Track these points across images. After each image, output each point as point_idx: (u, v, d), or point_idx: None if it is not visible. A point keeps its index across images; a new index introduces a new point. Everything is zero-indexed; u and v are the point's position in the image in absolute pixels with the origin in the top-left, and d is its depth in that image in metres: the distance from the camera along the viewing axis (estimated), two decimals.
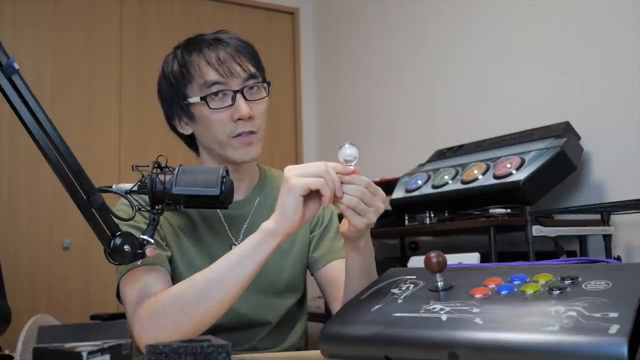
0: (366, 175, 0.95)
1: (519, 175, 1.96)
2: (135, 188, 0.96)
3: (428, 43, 2.96)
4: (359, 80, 3.43)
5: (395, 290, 0.88)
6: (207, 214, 1.19)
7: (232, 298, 0.97)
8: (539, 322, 0.68)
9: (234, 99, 1.14)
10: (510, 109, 2.50)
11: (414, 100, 3.03)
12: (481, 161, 2.18)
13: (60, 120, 2.89)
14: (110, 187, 0.96)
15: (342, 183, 0.92)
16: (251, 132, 1.16)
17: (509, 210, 1.98)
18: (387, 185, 2.56)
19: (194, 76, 1.15)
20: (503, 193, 1.99)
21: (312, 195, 0.92)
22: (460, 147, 2.43)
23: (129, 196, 0.96)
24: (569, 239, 2.08)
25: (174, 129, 1.24)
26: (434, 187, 2.24)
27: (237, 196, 1.21)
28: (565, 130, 2.10)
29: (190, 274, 1.02)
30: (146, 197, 0.97)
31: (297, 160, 3.73)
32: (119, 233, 0.89)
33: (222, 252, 1.17)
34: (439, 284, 0.83)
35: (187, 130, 1.21)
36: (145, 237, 0.93)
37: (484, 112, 2.63)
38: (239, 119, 1.14)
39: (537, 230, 1.79)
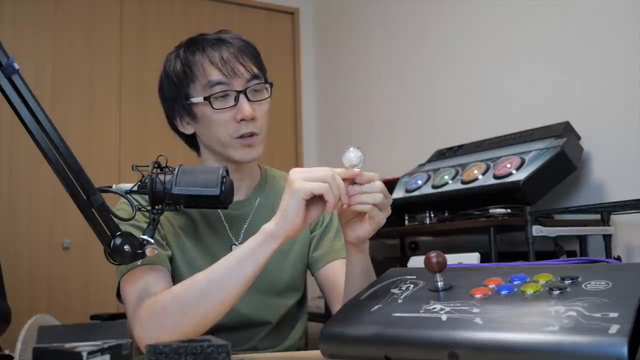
0: None
1: (519, 175, 1.96)
2: (135, 188, 0.96)
3: (428, 43, 2.96)
4: (359, 80, 3.43)
5: (395, 290, 0.88)
6: (207, 214, 1.19)
7: (233, 299, 0.97)
8: (539, 322, 0.68)
9: (237, 99, 1.14)
10: (510, 109, 2.50)
11: (414, 100, 3.03)
12: (481, 161, 2.18)
13: (60, 120, 2.89)
14: (110, 187, 0.96)
15: (357, 187, 0.93)
16: (253, 134, 1.16)
17: (509, 210, 1.98)
18: (387, 185, 2.56)
19: (197, 76, 1.15)
20: (503, 193, 1.99)
21: (316, 199, 0.92)
22: (460, 147, 2.43)
23: (129, 196, 0.96)
24: (569, 239, 2.08)
25: (175, 128, 1.24)
26: (434, 187, 2.24)
27: (238, 196, 1.21)
28: (565, 130, 2.10)
29: (191, 273, 1.02)
30: (146, 197, 0.97)
31: (297, 160, 3.73)
32: (119, 233, 0.89)
33: (223, 251, 1.17)
34: (439, 284, 0.83)
35: (188, 129, 1.21)
36: (145, 237, 0.93)
37: (484, 112, 2.63)
38: (241, 120, 1.14)
39: (537, 230, 1.79)
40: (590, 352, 0.62)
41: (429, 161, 2.51)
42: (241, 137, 1.15)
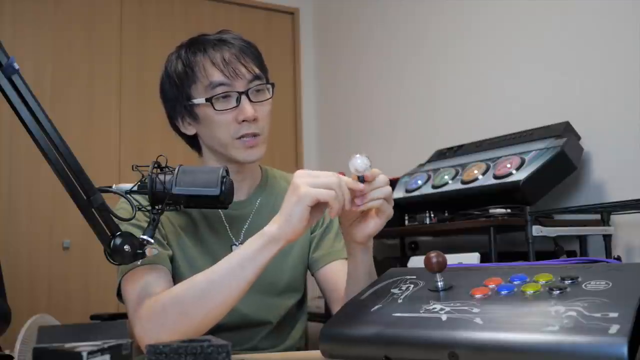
0: None
1: (519, 175, 1.96)
2: (135, 188, 0.96)
3: (428, 43, 2.96)
4: (359, 80, 3.43)
5: (395, 290, 0.88)
6: (208, 214, 1.19)
7: (233, 300, 0.97)
8: (539, 322, 0.68)
9: (238, 100, 1.14)
10: (510, 109, 2.50)
11: (414, 100, 3.03)
12: (481, 161, 2.18)
13: (60, 120, 2.89)
14: (110, 187, 0.96)
15: (367, 186, 0.94)
16: (255, 135, 1.16)
17: (509, 210, 1.98)
18: None
19: (199, 77, 1.15)
20: (503, 193, 1.99)
21: (319, 204, 0.92)
22: (460, 147, 2.43)
23: (129, 196, 0.96)
24: (569, 239, 2.08)
25: (176, 129, 1.24)
26: (434, 187, 2.24)
27: (239, 196, 1.21)
28: (565, 130, 2.10)
29: (191, 273, 1.02)
30: (146, 197, 0.97)
31: (297, 160, 3.73)
32: (119, 233, 0.89)
33: (223, 251, 1.17)
34: (439, 284, 0.83)
35: (190, 130, 1.21)
36: (145, 237, 0.93)
37: (484, 112, 2.63)
38: (243, 121, 1.14)
39: (537, 230, 1.79)
40: (590, 352, 0.62)
41: (429, 161, 2.51)
42: (243, 137, 1.15)
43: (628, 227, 2.03)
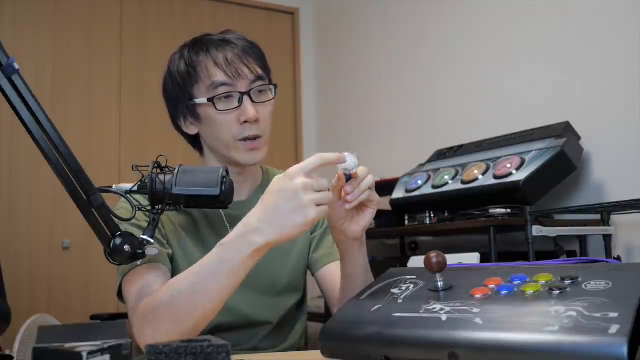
0: None
1: (519, 175, 1.96)
2: (135, 188, 0.96)
3: (428, 43, 2.96)
4: (359, 80, 3.43)
5: (395, 290, 0.88)
6: (209, 214, 1.19)
7: (223, 301, 0.95)
8: (539, 322, 0.68)
9: (240, 100, 1.14)
10: (510, 109, 2.50)
11: (414, 100, 3.03)
12: (481, 161, 2.18)
13: (60, 120, 2.89)
14: (110, 187, 0.96)
15: (354, 182, 0.96)
16: (257, 137, 1.16)
17: (509, 210, 1.98)
18: (387, 185, 2.56)
19: (201, 77, 1.15)
20: (503, 193, 1.99)
21: None
22: (460, 147, 2.43)
23: (129, 196, 0.96)
24: (569, 239, 2.08)
25: (178, 128, 1.24)
26: (434, 187, 2.24)
27: (240, 197, 1.21)
28: (565, 130, 2.10)
29: None
30: (146, 197, 0.97)
31: (297, 160, 3.73)
32: (119, 233, 0.89)
33: None
34: (439, 284, 0.83)
35: (192, 130, 1.21)
36: (145, 237, 0.93)
37: (484, 112, 2.63)
38: (245, 122, 1.14)
39: (537, 230, 1.79)
40: (590, 352, 0.62)
41: (429, 161, 2.51)
42: (245, 139, 1.15)
43: (628, 227, 2.03)
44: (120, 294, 1.08)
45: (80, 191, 0.86)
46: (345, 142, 3.48)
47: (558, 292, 0.73)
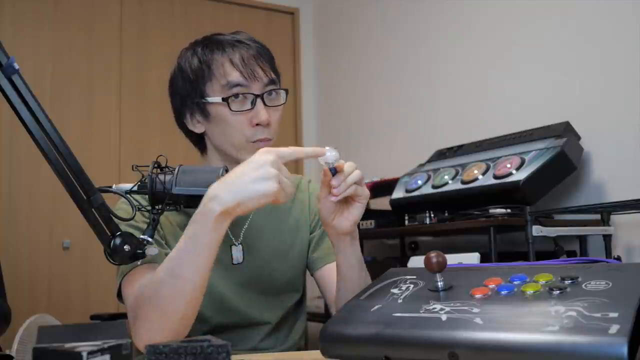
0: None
1: (519, 175, 1.96)
2: (135, 188, 0.96)
3: (428, 43, 2.96)
4: (359, 80, 3.43)
5: (395, 290, 0.88)
6: None
7: (202, 283, 0.94)
8: (539, 322, 0.68)
9: (253, 103, 1.13)
10: (510, 109, 2.50)
11: (414, 100, 3.03)
12: (481, 161, 2.18)
13: (60, 120, 2.89)
14: (110, 187, 0.96)
15: (341, 176, 0.97)
16: (267, 140, 1.15)
17: (509, 210, 1.98)
18: (387, 185, 2.57)
19: (216, 75, 1.14)
20: (503, 193, 1.99)
21: None
22: (460, 147, 2.43)
23: (128, 196, 0.96)
24: (569, 239, 2.08)
25: (182, 125, 1.22)
26: (434, 187, 2.24)
27: None
28: (565, 130, 2.10)
29: None
30: (146, 197, 0.97)
31: (298, 160, 3.72)
32: (119, 233, 0.89)
33: (222, 252, 1.17)
34: (439, 284, 0.83)
35: (198, 128, 1.20)
36: (145, 237, 0.93)
37: (484, 112, 2.63)
38: (257, 124, 1.13)
39: (537, 230, 1.79)
40: (590, 352, 0.62)
41: (429, 161, 2.51)
42: (256, 142, 1.14)
43: (628, 227, 2.03)
44: (120, 295, 1.08)
45: (80, 191, 0.86)
46: (345, 142, 3.48)
47: (558, 292, 0.73)
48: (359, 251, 1.10)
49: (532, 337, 0.66)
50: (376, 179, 2.69)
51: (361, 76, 3.42)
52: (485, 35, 2.65)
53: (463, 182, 2.14)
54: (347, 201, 1.02)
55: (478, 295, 0.78)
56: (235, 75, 1.13)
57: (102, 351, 0.61)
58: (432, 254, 0.83)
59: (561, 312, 0.68)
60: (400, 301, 0.84)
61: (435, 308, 0.78)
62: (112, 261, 0.91)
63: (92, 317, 2.44)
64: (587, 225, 2.00)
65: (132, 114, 3.30)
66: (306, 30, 3.89)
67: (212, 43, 1.17)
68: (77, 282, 3.05)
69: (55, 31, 3.16)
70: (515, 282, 0.79)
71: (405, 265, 2.00)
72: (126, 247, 0.89)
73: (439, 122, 2.87)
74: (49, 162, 0.83)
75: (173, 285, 0.92)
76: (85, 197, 0.86)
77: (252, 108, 1.13)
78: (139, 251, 0.91)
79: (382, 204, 2.58)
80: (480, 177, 2.10)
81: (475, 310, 0.74)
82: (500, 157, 2.13)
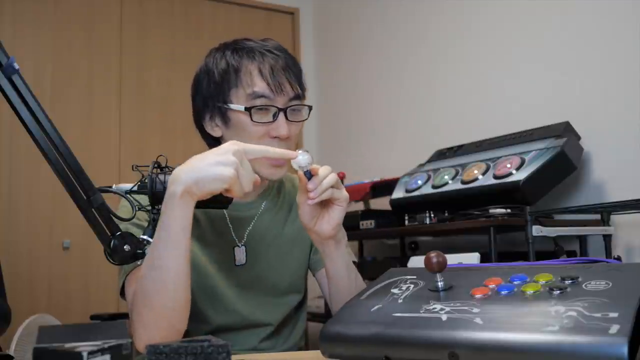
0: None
1: (519, 175, 1.96)
2: (135, 188, 0.96)
3: (428, 43, 2.96)
4: (359, 80, 3.43)
5: (395, 290, 0.88)
6: (213, 214, 1.19)
7: (182, 270, 0.93)
8: (539, 322, 0.68)
9: (276, 115, 1.12)
10: (510, 109, 2.50)
11: (414, 100, 3.03)
12: (481, 161, 2.18)
13: (60, 120, 2.89)
14: (110, 187, 0.96)
15: (315, 180, 0.98)
16: None
17: (509, 210, 1.98)
18: (387, 185, 2.57)
19: (243, 82, 1.12)
20: (503, 193, 1.99)
21: None
22: (460, 147, 2.43)
23: (128, 196, 0.96)
24: (569, 239, 2.08)
25: (200, 127, 1.21)
26: (434, 187, 2.24)
27: (246, 198, 1.21)
28: (565, 130, 2.10)
29: (193, 272, 1.02)
30: (146, 197, 0.97)
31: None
32: (119, 233, 0.89)
33: (225, 252, 1.18)
34: (439, 284, 0.83)
35: (216, 132, 1.18)
36: (145, 237, 0.93)
37: (484, 112, 2.63)
38: (275, 137, 1.12)
39: (537, 230, 1.79)
40: (590, 352, 0.62)
41: (429, 161, 2.51)
42: None
43: (628, 227, 2.03)
44: (123, 293, 1.08)
45: (80, 191, 0.86)
46: (345, 142, 3.48)
47: (558, 292, 0.73)
48: (346, 254, 1.11)
49: (532, 337, 0.66)
50: (376, 179, 2.70)
51: (361, 76, 3.42)
52: (485, 35, 2.65)
53: (463, 182, 2.14)
54: (327, 205, 1.02)
55: (478, 295, 0.78)
56: (261, 86, 1.12)
57: (102, 351, 0.61)
58: (432, 254, 0.83)
59: (561, 312, 0.68)
60: (400, 301, 0.84)
61: (435, 308, 0.78)
62: (112, 261, 0.91)
63: (92, 317, 2.43)
64: (587, 225, 2.00)
65: (132, 114, 3.29)
66: (306, 30, 3.89)
67: (242, 48, 1.15)
68: (77, 282, 3.05)
69: (55, 31, 3.16)
70: (515, 282, 0.79)
71: (405, 265, 2.00)
72: (126, 247, 0.89)
73: (439, 122, 2.87)
74: (49, 162, 0.83)
75: (154, 278, 0.92)
76: (85, 197, 0.86)
77: (273, 120, 1.12)
78: (139, 251, 0.91)
79: (382, 204, 2.58)
80: (480, 177, 2.10)
81: (475, 310, 0.74)
82: (500, 157, 2.13)
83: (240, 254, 1.19)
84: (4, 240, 2.89)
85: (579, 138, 2.14)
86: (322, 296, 1.31)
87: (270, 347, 1.20)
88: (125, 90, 3.30)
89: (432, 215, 2.22)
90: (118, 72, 3.30)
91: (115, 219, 0.90)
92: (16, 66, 0.81)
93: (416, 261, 1.92)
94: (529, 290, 0.76)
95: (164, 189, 0.94)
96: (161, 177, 0.95)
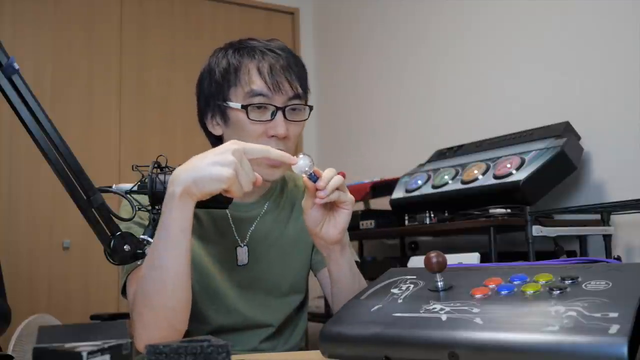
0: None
1: (519, 175, 1.96)
2: (135, 188, 0.96)
3: (428, 43, 2.96)
4: (359, 80, 3.43)
5: (395, 290, 0.88)
6: (215, 214, 1.19)
7: (182, 271, 0.93)
8: (539, 322, 0.68)
9: (274, 114, 1.12)
10: (510, 109, 2.50)
11: (414, 100, 3.03)
12: (481, 161, 2.18)
13: (60, 120, 2.89)
14: (110, 187, 0.96)
15: (321, 183, 0.97)
16: None
17: (509, 210, 1.98)
18: (387, 185, 2.56)
19: (241, 81, 1.13)
20: (503, 193, 1.99)
21: None
22: (460, 147, 2.43)
23: (128, 196, 0.96)
24: (569, 239, 2.08)
25: (204, 126, 1.22)
26: (434, 187, 2.24)
27: (249, 199, 1.21)
28: (565, 130, 2.10)
29: (194, 272, 1.02)
30: (146, 197, 0.97)
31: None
32: (118, 233, 0.89)
33: (227, 252, 1.18)
34: (439, 284, 0.83)
35: (217, 130, 1.19)
36: (145, 237, 0.93)
37: (484, 112, 2.63)
38: (273, 136, 1.12)
39: (537, 230, 1.79)
40: (590, 352, 0.62)
41: (429, 161, 2.51)
42: None
43: (628, 227, 2.03)
44: (125, 293, 1.08)
45: (80, 191, 0.86)
46: (345, 142, 3.48)
47: (558, 292, 0.73)
48: (350, 258, 1.11)
49: (532, 337, 0.66)
50: (376, 179, 2.69)
51: (361, 76, 3.42)
52: (485, 35, 2.65)
53: (463, 182, 2.14)
54: (332, 209, 1.02)
55: (478, 295, 0.78)
56: (259, 84, 1.12)
57: (102, 351, 0.61)
58: (432, 254, 0.83)
59: (561, 312, 0.68)
60: (400, 301, 0.84)
61: (435, 308, 0.78)
62: (112, 261, 0.91)
63: (92, 317, 2.44)
64: (587, 225, 2.00)
65: (132, 114, 3.29)
66: (306, 30, 3.89)
67: (244, 48, 1.16)
68: (77, 282, 3.05)
69: (55, 31, 3.16)
70: (515, 282, 0.79)
71: (405, 265, 2.00)
72: (126, 247, 0.89)
73: (439, 122, 2.87)
74: (49, 162, 0.83)
75: (154, 278, 0.92)
76: (85, 197, 0.86)
77: (271, 119, 1.12)
78: (139, 251, 0.91)
79: (382, 204, 2.58)
80: (480, 177, 2.10)
81: (475, 310, 0.74)
82: (500, 157, 2.13)
83: (242, 254, 1.19)
84: (4, 240, 2.89)
85: (579, 138, 2.14)
86: (322, 296, 1.31)
87: (270, 348, 1.20)
88: (125, 90, 3.30)
89: (432, 215, 2.22)
90: (118, 72, 3.30)
91: (116, 219, 0.90)
92: (16, 66, 0.81)
93: (416, 261, 1.92)
94: (529, 290, 0.76)
95: (164, 189, 0.94)
96: (161, 177, 0.95)
